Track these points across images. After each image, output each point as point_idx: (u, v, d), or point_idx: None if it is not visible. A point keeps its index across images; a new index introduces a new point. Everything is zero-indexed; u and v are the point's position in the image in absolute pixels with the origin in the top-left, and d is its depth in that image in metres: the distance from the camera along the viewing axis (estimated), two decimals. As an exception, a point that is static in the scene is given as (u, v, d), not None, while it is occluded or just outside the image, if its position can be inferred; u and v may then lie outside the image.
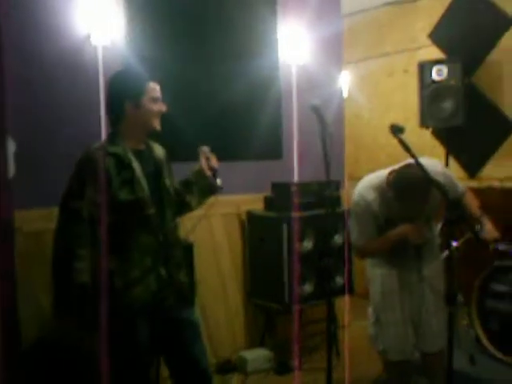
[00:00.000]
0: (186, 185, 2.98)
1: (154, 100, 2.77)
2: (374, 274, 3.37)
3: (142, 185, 2.67)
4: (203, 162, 2.96)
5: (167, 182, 2.84)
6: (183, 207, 2.99)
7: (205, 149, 2.99)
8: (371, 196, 3.15)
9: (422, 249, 3.26)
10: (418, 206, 2.99)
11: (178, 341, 2.85)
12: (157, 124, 2.79)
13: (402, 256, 3.25)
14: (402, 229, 3.10)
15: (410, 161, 2.85)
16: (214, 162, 2.98)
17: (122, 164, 2.66)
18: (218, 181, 2.98)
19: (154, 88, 2.78)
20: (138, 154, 2.75)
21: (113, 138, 2.76)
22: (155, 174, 2.80)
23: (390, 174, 3.11)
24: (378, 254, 3.28)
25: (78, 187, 2.62)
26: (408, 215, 3.07)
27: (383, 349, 3.32)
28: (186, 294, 2.89)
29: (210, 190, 2.99)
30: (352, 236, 3.26)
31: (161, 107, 2.80)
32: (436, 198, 2.89)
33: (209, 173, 2.95)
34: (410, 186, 2.92)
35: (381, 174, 3.19)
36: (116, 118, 2.78)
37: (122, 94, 2.73)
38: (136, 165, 2.69)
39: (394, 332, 3.27)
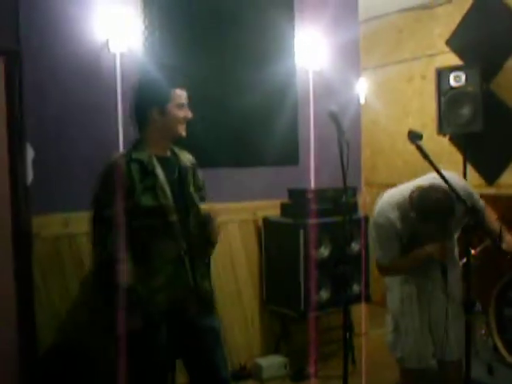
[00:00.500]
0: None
1: (180, 106, 2.76)
2: (392, 281, 3.34)
3: (165, 191, 2.67)
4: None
5: (192, 189, 2.83)
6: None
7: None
8: (393, 215, 3.06)
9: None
10: (441, 227, 2.95)
11: (198, 348, 2.84)
12: (182, 130, 2.79)
13: (423, 264, 3.23)
14: (428, 249, 3.04)
15: (432, 176, 2.83)
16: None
17: (146, 170, 2.66)
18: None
19: (180, 94, 2.77)
20: (163, 161, 2.75)
21: (138, 144, 2.77)
22: (179, 181, 2.79)
23: (412, 192, 3.00)
24: (402, 273, 3.24)
25: (105, 195, 2.62)
26: (432, 234, 3.03)
27: (401, 356, 3.29)
28: (209, 301, 2.89)
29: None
30: (376, 254, 3.21)
31: (186, 113, 2.79)
32: (459, 212, 2.84)
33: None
34: (432, 210, 2.85)
35: (403, 191, 3.09)
36: (142, 125, 2.79)
37: (148, 101, 2.74)
38: (159, 171, 2.69)
39: (413, 340, 3.23)
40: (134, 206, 2.60)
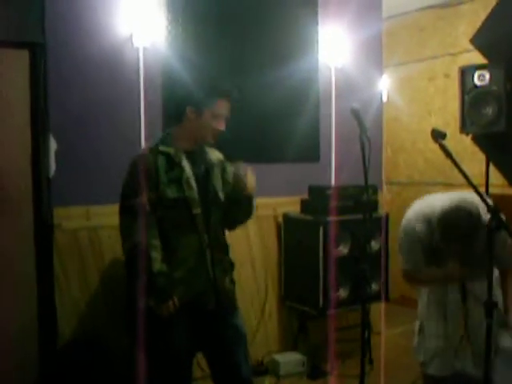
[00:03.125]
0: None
1: (216, 116, 2.76)
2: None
3: (191, 184, 2.70)
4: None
5: (216, 184, 2.84)
6: (231, 215, 2.96)
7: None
8: (420, 227, 3.01)
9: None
10: (463, 246, 2.88)
11: (220, 344, 2.85)
12: (210, 139, 2.80)
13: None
14: (450, 271, 2.98)
15: (466, 192, 2.79)
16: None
17: (173, 163, 2.70)
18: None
19: (222, 105, 2.78)
20: (190, 155, 2.77)
21: (166, 137, 2.80)
22: (205, 175, 2.81)
23: (442, 208, 2.90)
24: (424, 285, 3.21)
25: (132, 186, 2.67)
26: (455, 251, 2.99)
27: (423, 361, 3.23)
28: (230, 298, 2.89)
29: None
30: (402, 258, 3.16)
31: (220, 125, 2.79)
32: (484, 234, 2.79)
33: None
34: (452, 230, 2.81)
35: (433, 203, 3.02)
36: (177, 119, 2.81)
37: (189, 98, 2.76)
38: (186, 164, 2.72)
39: (435, 345, 3.17)
40: (159, 197, 2.63)
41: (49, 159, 3.65)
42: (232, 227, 3.05)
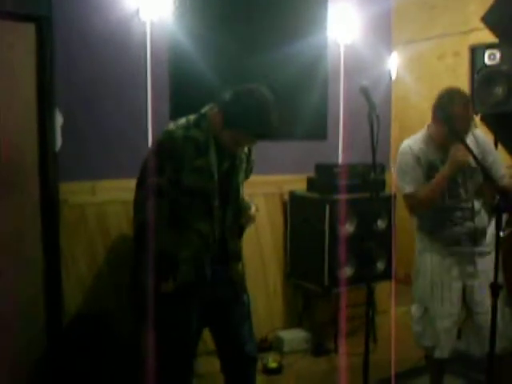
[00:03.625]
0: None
1: (237, 143, 2.64)
2: (423, 262, 3.30)
3: (213, 175, 2.63)
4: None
5: (239, 179, 2.78)
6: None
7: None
8: (417, 147, 3.28)
9: (476, 239, 3.21)
10: (462, 123, 3.08)
11: (226, 320, 2.85)
12: (230, 149, 2.68)
13: (455, 243, 3.21)
14: (451, 153, 3.13)
15: None
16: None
17: (200, 150, 2.60)
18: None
19: (247, 140, 2.65)
20: (220, 145, 2.65)
21: (200, 119, 2.65)
22: (230, 168, 2.73)
23: (428, 126, 3.35)
24: (431, 200, 3.18)
25: (154, 163, 2.58)
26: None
27: (430, 345, 3.25)
28: (240, 282, 2.90)
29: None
30: (403, 188, 3.24)
31: (236, 150, 2.69)
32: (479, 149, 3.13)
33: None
34: (455, 93, 3.18)
35: (420, 133, 3.39)
36: (212, 106, 2.67)
37: (229, 110, 2.57)
38: (213, 155, 2.62)
39: (442, 327, 3.20)
40: (180, 181, 2.57)
41: (55, 134, 3.64)
42: None
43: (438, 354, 3.24)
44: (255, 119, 2.54)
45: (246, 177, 2.90)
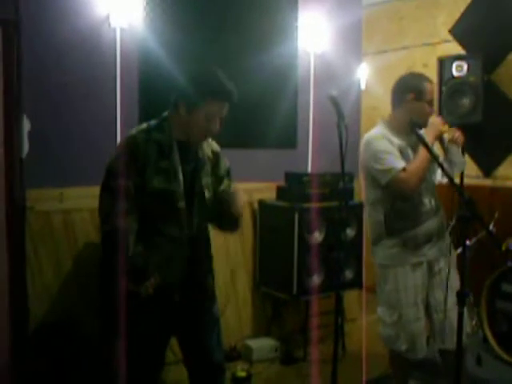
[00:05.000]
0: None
1: (210, 117, 2.62)
2: (386, 273, 3.30)
3: (178, 177, 2.61)
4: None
5: (204, 180, 2.75)
6: (215, 216, 2.88)
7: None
8: (382, 133, 3.29)
9: (437, 241, 3.27)
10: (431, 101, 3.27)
11: (193, 329, 2.82)
12: (200, 138, 2.69)
13: (427, 241, 3.25)
14: (430, 124, 3.25)
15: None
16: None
17: (163, 153, 2.60)
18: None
19: (218, 107, 2.64)
20: (183, 147, 2.65)
21: (162, 123, 2.67)
22: (194, 169, 2.72)
23: (383, 118, 3.44)
24: (424, 172, 3.14)
25: (118, 167, 2.57)
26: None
27: (406, 348, 3.26)
28: (208, 290, 2.86)
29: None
30: (392, 168, 3.12)
31: (212, 127, 2.65)
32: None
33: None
34: (419, 74, 3.38)
35: (377, 127, 3.38)
36: (171, 108, 2.68)
37: (184, 92, 2.60)
38: (176, 156, 2.62)
39: (416, 329, 3.23)
40: (144, 185, 2.55)
41: (22, 140, 3.59)
42: (218, 229, 3.03)
43: (413, 355, 3.27)
44: (209, 81, 2.61)
45: (220, 181, 2.86)
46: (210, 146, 2.85)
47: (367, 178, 3.35)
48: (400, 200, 3.21)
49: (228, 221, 2.86)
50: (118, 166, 2.59)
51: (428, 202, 3.27)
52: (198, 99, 2.58)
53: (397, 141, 3.23)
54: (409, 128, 3.05)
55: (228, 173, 2.92)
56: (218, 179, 2.84)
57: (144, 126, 2.68)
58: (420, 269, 3.24)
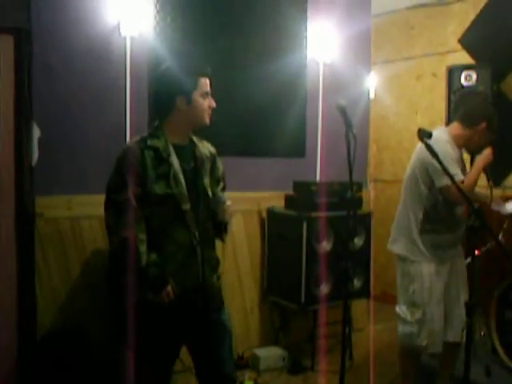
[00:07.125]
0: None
1: (205, 95, 2.71)
2: (419, 270, 3.46)
3: (179, 180, 2.63)
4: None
5: (205, 180, 2.77)
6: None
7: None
8: (448, 140, 3.44)
9: (456, 245, 3.55)
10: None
11: (205, 340, 2.80)
12: (207, 120, 2.75)
13: (452, 246, 3.52)
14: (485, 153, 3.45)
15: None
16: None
17: (161, 158, 2.62)
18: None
19: (206, 83, 2.72)
20: (179, 149, 2.70)
21: (155, 131, 2.71)
22: (195, 170, 2.74)
23: (448, 128, 3.58)
24: (473, 189, 3.37)
25: (118, 180, 2.60)
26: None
27: (426, 344, 3.42)
28: (218, 295, 2.86)
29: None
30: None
31: (211, 103, 2.74)
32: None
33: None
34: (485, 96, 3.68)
35: (443, 130, 3.54)
36: (165, 112, 2.72)
37: (174, 89, 2.67)
38: (174, 159, 2.65)
39: (439, 326, 3.43)
40: (147, 193, 2.57)
41: (32, 147, 3.61)
42: None
43: (433, 349, 3.46)
44: (188, 66, 2.73)
45: (217, 182, 2.88)
46: (207, 146, 2.88)
47: (420, 170, 3.48)
48: (441, 204, 3.41)
49: (217, 228, 2.87)
50: (117, 181, 2.62)
51: (460, 212, 3.48)
52: (193, 83, 2.67)
53: (453, 152, 3.41)
54: (417, 135, 3.06)
55: (223, 174, 2.96)
56: (215, 180, 2.87)
57: (138, 137, 2.72)
58: (445, 268, 3.46)
